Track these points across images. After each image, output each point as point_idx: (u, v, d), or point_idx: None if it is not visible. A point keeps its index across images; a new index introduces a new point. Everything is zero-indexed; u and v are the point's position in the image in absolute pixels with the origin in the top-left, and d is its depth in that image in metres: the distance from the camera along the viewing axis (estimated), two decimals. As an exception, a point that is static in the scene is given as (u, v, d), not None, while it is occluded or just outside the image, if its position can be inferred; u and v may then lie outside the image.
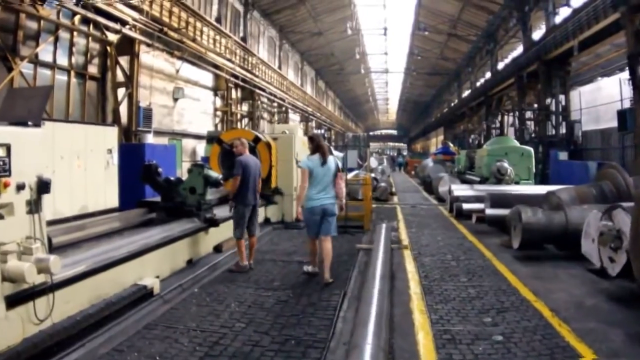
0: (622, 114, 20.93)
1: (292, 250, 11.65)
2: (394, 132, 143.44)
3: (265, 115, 41.64)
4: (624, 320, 6.83)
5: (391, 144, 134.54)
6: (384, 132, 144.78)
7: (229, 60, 30.76)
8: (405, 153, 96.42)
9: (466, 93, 62.52)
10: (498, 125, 47.13)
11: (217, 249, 11.08)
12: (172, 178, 11.17)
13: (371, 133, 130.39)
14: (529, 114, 34.74)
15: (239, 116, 33.89)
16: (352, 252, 11.50)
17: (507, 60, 46.03)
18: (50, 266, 5.56)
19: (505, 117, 45.83)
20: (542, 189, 17.38)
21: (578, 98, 32.04)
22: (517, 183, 21.14)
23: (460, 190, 18.77)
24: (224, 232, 11.15)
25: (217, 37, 29.30)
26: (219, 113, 31.30)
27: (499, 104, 45.00)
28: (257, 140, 14.36)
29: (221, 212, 11.45)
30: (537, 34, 36.08)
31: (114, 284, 7.28)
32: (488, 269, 10.10)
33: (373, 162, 44.47)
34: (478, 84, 56.35)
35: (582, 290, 8.39)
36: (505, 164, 20.82)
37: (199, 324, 6.83)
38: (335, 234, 9.50)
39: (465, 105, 56.80)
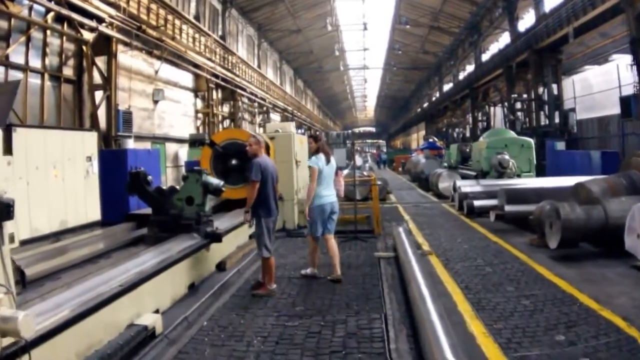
0: (625, 101, 20.02)
1: (303, 262, 10.20)
2: (373, 129, 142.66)
3: (247, 116, 40.29)
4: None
5: (370, 141, 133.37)
6: (362, 129, 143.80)
7: (209, 59, 29.73)
8: (384, 149, 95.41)
9: (448, 87, 62.05)
10: (484, 117, 46.32)
11: (221, 266, 9.64)
12: (164, 187, 9.77)
13: (349, 131, 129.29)
14: (518, 105, 33.90)
15: (220, 118, 32.65)
16: (371, 261, 10.36)
17: (491, 52, 45.55)
18: (19, 328, 4.01)
19: (492, 108, 45.02)
20: (556, 182, 16.73)
21: (571, 87, 31.13)
22: (518, 176, 20.24)
23: (467, 186, 17.69)
24: (226, 246, 9.93)
25: (197, 36, 28.31)
26: (200, 115, 30.05)
27: (486, 96, 44.22)
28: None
29: (220, 222, 10.26)
30: (522, 24, 35.50)
31: (106, 328, 5.78)
32: (530, 273, 9.02)
33: (358, 160, 43.42)
34: (461, 76, 55.72)
35: (641, 291, 7.62)
36: (507, 157, 20.01)
37: (219, 373, 5.51)
38: (334, 230, 9.49)
39: (448, 98, 56.24)
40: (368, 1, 51.18)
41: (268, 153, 12.47)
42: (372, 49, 67.63)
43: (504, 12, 37.08)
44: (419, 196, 25.28)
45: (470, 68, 54.19)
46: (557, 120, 28.65)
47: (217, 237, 9.20)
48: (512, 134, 24.19)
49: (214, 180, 9.41)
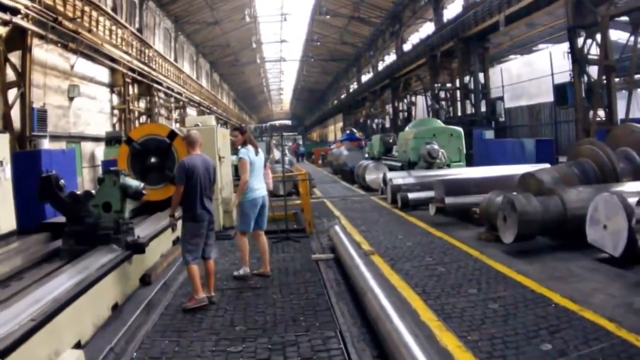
0: (561, 88, 19.57)
1: (234, 268, 8.98)
2: (289, 122, 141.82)
3: (163, 111, 38.58)
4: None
5: (286, 134, 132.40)
6: (278, 122, 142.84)
7: (126, 52, 28.26)
8: (300, 142, 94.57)
9: (367, 77, 61.69)
10: (406, 108, 46.00)
11: (145, 280, 8.12)
12: (78, 192, 8.18)
13: (267, 124, 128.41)
14: (443, 94, 33.47)
15: (136, 114, 31.01)
16: (309, 265, 9.26)
17: (411, 42, 45.32)
18: None
19: (414, 98, 44.75)
20: (493, 171, 16.35)
21: (497, 76, 30.93)
22: (448, 166, 19.71)
23: (399, 178, 16.85)
24: (150, 256, 8.53)
25: (114, 28, 26.78)
26: (116, 112, 28.50)
27: (407, 86, 43.91)
28: (173, 135, 11.32)
29: (141, 229, 8.96)
30: (447, 14, 35.28)
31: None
32: (489, 272, 8.08)
33: (276, 153, 42.40)
34: (381, 67, 55.38)
35: (617, 286, 7.05)
36: (436, 146, 19.31)
37: None
38: (265, 226, 9.06)
39: (367, 89, 56.21)
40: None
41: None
42: (290, 40, 67.22)
43: (429, 1, 36.59)
44: (345, 189, 24.19)
45: (389, 59, 54.16)
46: (484, 109, 28.27)
47: (139, 248, 7.70)
48: (440, 123, 23.49)
49: (134, 182, 7.91)
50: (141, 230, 8.75)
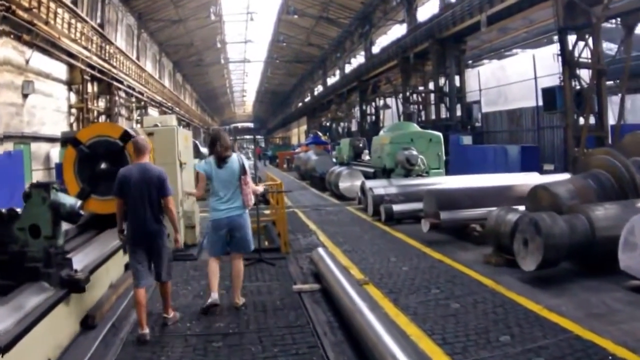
0: (549, 92, 18.26)
1: (201, 303, 7.28)
2: (251, 124, 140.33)
3: (124, 111, 36.71)
4: None
5: (248, 137, 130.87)
6: (241, 125, 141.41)
7: (86, 48, 26.55)
8: (262, 145, 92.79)
9: (333, 80, 60.65)
10: (374, 111, 44.88)
11: (88, 322, 6.28)
12: (2, 210, 5.99)
13: (230, 126, 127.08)
14: (414, 97, 32.25)
15: (95, 113, 29.01)
16: (292, 299, 7.54)
17: (379, 45, 44.54)
18: None
19: (385, 101, 43.60)
20: (481, 181, 15.09)
21: (473, 80, 29.84)
22: (427, 173, 18.26)
23: (380, 187, 15.29)
24: (95, 290, 6.75)
25: (73, 22, 25.04)
26: (74, 111, 26.57)
27: (376, 89, 42.74)
28: (126, 137, 9.16)
29: (84, 253, 7.15)
30: (419, 15, 34.25)
31: None
32: (514, 309, 6.64)
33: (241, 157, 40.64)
34: (348, 69, 54.16)
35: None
36: (415, 152, 18.03)
37: None
38: (250, 250, 7.75)
39: (333, 92, 55.37)
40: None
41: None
42: (255, 41, 65.80)
43: (402, 1, 35.57)
44: (316, 197, 22.49)
45: (357, 61, 53.18)
46: (459, 113, 27.08)
47: (77, 286, 5.85)
48: (417, 127, 22.08)
49: (68, 200, 6.07)
50: (85, 256, 6.96)
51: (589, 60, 16.94)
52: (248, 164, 7.66)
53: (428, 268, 8.92)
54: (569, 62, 17.01)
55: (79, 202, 6.16)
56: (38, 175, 21.07)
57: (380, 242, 11.43)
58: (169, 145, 10.76)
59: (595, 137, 17.01)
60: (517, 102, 26.70)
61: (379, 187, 15.24)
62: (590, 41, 16.69)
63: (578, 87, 17.13)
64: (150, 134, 10.21)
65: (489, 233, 9.18)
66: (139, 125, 26.88)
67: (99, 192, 8.94)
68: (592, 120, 16.96)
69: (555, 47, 21.60)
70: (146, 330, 6.11)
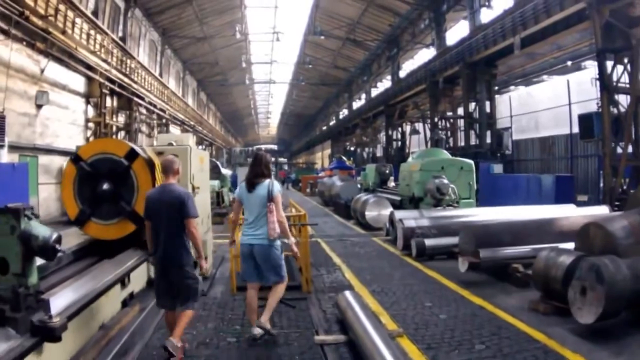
0: (586, 119, 17.32)
1: (204, 353, 6.45)
2: (275, 146, 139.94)
3: (144, 128, 36.16)
4: None
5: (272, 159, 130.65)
6: (264, 147, 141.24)
7: (105, 61, 25.94)
8: (286, 168, 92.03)
9: (359, 104, 60.07)
10: (400, 137, 44.05)
11: None
12: None
13: (254, 148, 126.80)
14: (442, 123, 31.46)
15: (114, 128, 28.47)
16: (312, 353, 6.59)
17: (404, 70, 44.48)
18: None
19: (415, 126, 42.83)
20: (518, 213, 14.31)
21: (503, 106, 28.99)
22: (457, 203, 17.45)
23: (411, 219, 14.18)
24: (78, 335, 5.77)
25: (92, 33, 24.52)
26: (91, 124, 25.99)
27: (403, 113, 41.83)
28: (132, 155, 8.45)
29: (73, 288, 6.11)
30: (448, 38, 33.61)
31: None
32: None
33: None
34: (374, 93, 53.36)
35: None
36: (446, 181, 17.19)
37: None
38: (277, 279, 7.17)
39: (359, 116, 54.70)
40: (281, 10, 48.22)
41: (153, 174, 8.60)
42: (280, 62, 64.92)
43: (430, 23, 34.99)
44: (340, 226, 21.36)
45: (382, 85, 52.55)
46: (489, 140, 26.11)
47: (51, 334, 4.73)
48: (447, 154, 21.20)
49: (42, 230, 4.84)
50: (73, 291, 5.90)
51: (627, 85, 16.12)
52: (278, 190, 7.13)
53: (469, 316, 7.94)
54: (607, 87, 16.18)
55: (56, 235, 5.01)
56: (51, 190, 20.85)
57: (413, 282, 10.37)
58: (181, 167, 9.73)
59: (633, 166, 16.20)
60: (547, 130, 25.88)
61: (410, 218, 14.20)
62: (629, 64, 15.91)
63: (616, 113, 16.25)
64: (160, 154, 9.13)
65: (536, 276, 8.21)
66: (156, 142, 26.34)
67: (100, 216, 8.20)
68: (629, 148, 16.08)
69: (587, 73, 20.90)
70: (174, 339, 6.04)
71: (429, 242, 12.52)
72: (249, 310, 7.11)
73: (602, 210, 14.20)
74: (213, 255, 11.26)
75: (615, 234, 8.02)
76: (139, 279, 8.07)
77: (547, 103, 26.34)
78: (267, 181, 7.11)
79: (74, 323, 5.35)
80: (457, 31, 35.16)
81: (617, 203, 15.33)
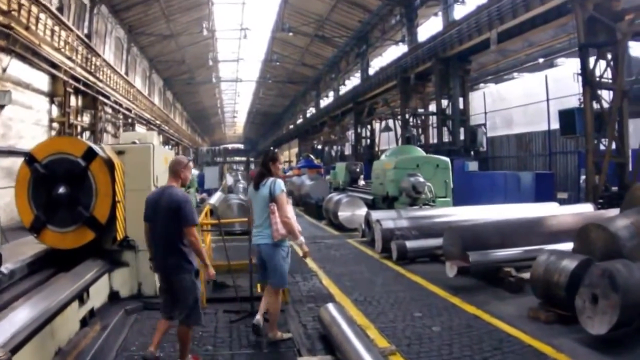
0: (567, 115, 16.77)
1: None
2: (241, 145, 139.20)
3: (110, 128, 35.09)
4: None
5: (237, 158, 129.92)
6: (230, 146, 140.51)
7: (69, 58, 24.96)
8: (253, 167, 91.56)
9: (327, 102, 59.46)
10: (369, 134, 43.60)
11: None
12: None
13: (221, 147, 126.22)
14: (412, 120, 30.93)
15: (79, 128, 27.55)
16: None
17: (374, 67, 44.06)
18: None
19: (378, 124, 42.38)
20: (500, 212, 13.85)
21: (477, 101, 28.62)
22: (434, 202, 16.99)
23: (389, 219, 13.43)
24: None
25: (57, 29, 23.45)
26: (55, 125, 24.91)
27: (372, 111, 41.38)
28: (90, 155, 7.73)
29: (32, 303, 5.47)
30: (420, 34, 33.51)
31: None
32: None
33: (229, 179, 39.13)
34: (343, 91, 53.01)
35: None
36: (421, 179, 16.75)
37: None
38: (278, 286, 7.10)
39: (327, 114, 54.10)
40: (248, 7, 47.39)
41: (112, 176, 7.77)
42: (248, 60, 64.18)
43: (401, 19, 34.53)
44: (312, 227, 20.41)
45: (351, 83, 52.23)
46: (462, 137, 25.70)
47: None
48: (422, 152, 20.63)
49: None
50: (25, 311, 5.16)
51: (610, 81, 15.83)
52: (281, 189, 6.90)
53: (465, 328, 7.19)
54: (590, 82, 15.73)
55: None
56: (11, 194, 19.51)
57: (397, 289, 9.54)
58: (142, 168, 8.70)
59: (616, 163, 15.86)
60: (519, 127, 25.56)
61: (388, 219, 13.43)
62: (613, 59, 15.62)
63: (598, 109, 15.87)
64: (120, 153, 8.44)
65: (536, 282, 7.51)
66: (117, 143, 25.47)
67: (56, 222, 7.47)
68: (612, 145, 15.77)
69: (561, 70, 20.62)
70: (151, 349, 5.74)
71: (410, 244, 11.81)
72: (272, 310, 7.03)
73: (587, 208, 13.74)
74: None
75: (619, 234, 7.46)
76: (99, 294, 7.28)
77: (519, 101, 26.00)
78: (269, 180, 6.96)
79: (23, 353, 4.53)
80: (428, 28, 34.86)
81: (600, 201, 14.94)
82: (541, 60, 29.96)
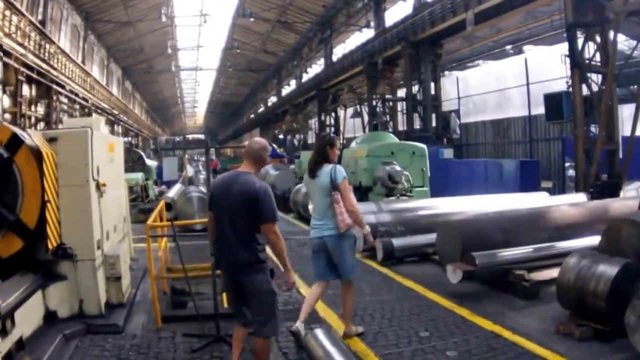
0: (554, 99, 15.99)
1: None
2: (202, 136, 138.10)
3: (66, 118, 33.48)
4: None
5: (198, 149, 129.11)
6: (191, 136, 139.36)
7: (21, 45, 23.43)
8: (214, 158, 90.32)
9: (289, 90, 58.53)
10: (333, 122, 42.88)
11: None
12: None
13: (181, 137, 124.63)
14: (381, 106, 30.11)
15: (32, 119, 26.18)
16: None
17: (337, 54, 43.54)
18: None
19: (342, 111, 41.48)
20: (499, 202, 12.76)
21: (450, 87, 27.74)
22: (411, 192, 15.89)
23: (369, 213, 11.85)
24: None
25: (7, 13, 22.03)
26: (7, 116, 23.36)
27: (337, 98, 40.48)
28: (15, 143, 6.10)
29: None
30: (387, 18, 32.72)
31: None
32: None
33: (190, 170, 37.69)
34: (305, 78, 52.32)
35: None
36: (398, 168, 15.76)
37: None
38: (349, 278, 6.43)
39: (289, 102, 53.62)
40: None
41: (41, 170, 6.25)
42: (208, 48, 63.05)
43: (369, 3, 33.53)
44: (280, 221, 18.57)
45: (313, 70, 51.67)
46: (434, 123, 24.71)
47: None
48: (395, 138, 19.57)
49: None
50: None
51: (599, 63, 15.02)
52: (343, 176, 6.26)
53: (486, 351, 5.84)
54: (579, 65, 14.84)
55: None
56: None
57: (390, 299, 8.12)
58: (78, 158, 6.85)
59: (607, 150, 15.01)
60: (493, 114, 24.73)
61: (368, 213, 11.80)
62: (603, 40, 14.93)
63: (587, 93, 15.01)
64: (52, 139, 6.70)
65: (565, 290, 6.27)
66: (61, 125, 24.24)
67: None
68: (596, 130, 15.16)
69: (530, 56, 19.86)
70: None
71: (397, 242, 10.43)
72: (305, 304, 6.46)
73: (580, 198, 12.80)
74: (132, 269, 8.78)
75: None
76: (30, 317, 5.78)
77: (488, 88, 25.15)
78: (328, 167, 6.34)
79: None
80: (395, 12, 33.82)
81: (591, 190, 14.06)
82: (509, 47, 29.26)
